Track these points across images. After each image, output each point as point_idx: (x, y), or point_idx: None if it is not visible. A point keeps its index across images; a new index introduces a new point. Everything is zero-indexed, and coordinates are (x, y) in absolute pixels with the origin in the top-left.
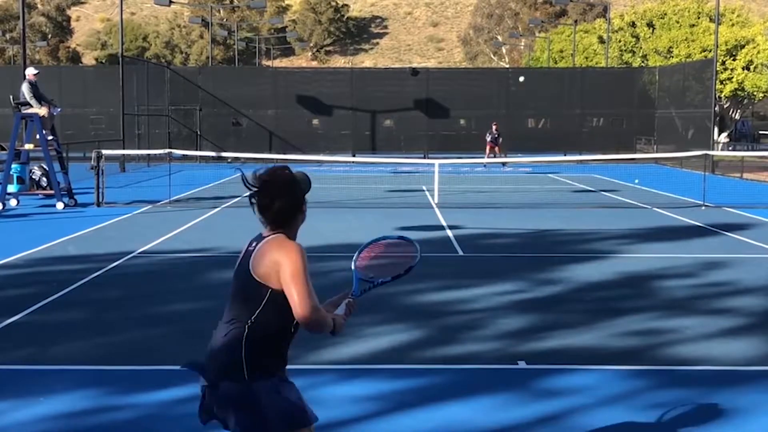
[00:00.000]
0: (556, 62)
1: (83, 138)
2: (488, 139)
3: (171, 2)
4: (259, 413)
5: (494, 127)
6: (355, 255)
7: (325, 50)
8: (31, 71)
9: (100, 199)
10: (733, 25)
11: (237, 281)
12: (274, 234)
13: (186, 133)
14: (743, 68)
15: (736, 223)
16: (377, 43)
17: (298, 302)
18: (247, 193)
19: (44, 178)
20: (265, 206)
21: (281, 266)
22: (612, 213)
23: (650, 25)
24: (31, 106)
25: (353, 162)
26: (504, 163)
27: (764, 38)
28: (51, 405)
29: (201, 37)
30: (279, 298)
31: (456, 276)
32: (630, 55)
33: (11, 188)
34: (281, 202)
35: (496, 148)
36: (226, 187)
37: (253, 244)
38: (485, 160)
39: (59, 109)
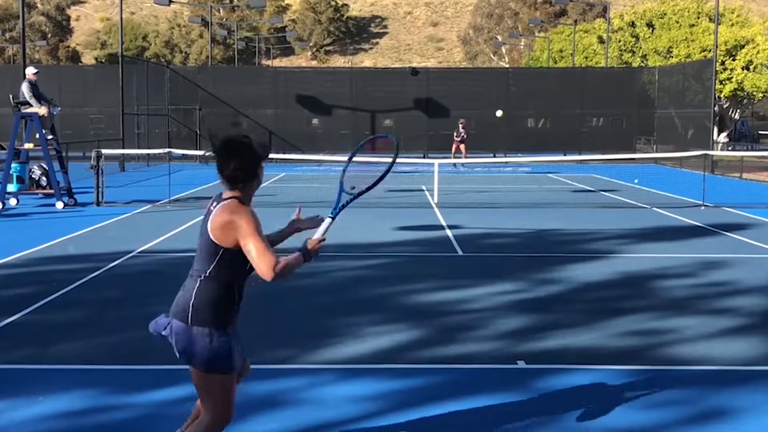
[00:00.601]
0: (555, 62)
1: (83, 137)
2: (456, 138)
3: (171, 2)
4: (192, 351)
5: (461, 126)
6: (343, 169)
7: (325, 50)
8: (30, 71)
9: (100, 199)
10: (732, 25)
11: (200, 238)
12: (229, 197)
13: (186, 132)
14: (743, 68)
15: (735, 223)
16: (377, 43)
17: (256, 258)
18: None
19: (44, 178)
20: (222, 167)
21: (236, 228)
22: (611, 213)
23: (650, 25)
24: (31, 106)
25: (353, 161)
26: (463, 164)
27: (764, 38)
28: (50, 404)
29: (201, 36)
30: (228, 256)
31: (455, 276)
32: (630, 55)
33: (11, 187)
34: (236, 163)
35: (462, 147)
36: None
37: (213, 204)
38: (453, 160)
39: (59, 109)
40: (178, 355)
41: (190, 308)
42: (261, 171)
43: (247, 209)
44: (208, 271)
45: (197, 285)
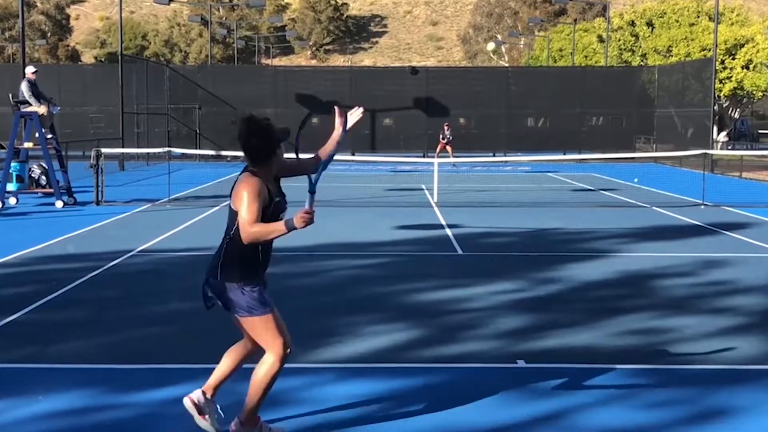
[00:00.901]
0: (555, 61)
1: (82, 136)
2: (442, 140)
3: (170, 1)
4: (229, 301)
5: (446, 128)
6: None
7: (325, 49)
8: (30, 70)
9: (100, 198)
10: (732, 24)
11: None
12: (248, 170)
13: (185, 131)
14: (742, 67)
15: (735, 222)
16: (377, 42)
17: (243, 215)
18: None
19: (43, 177)
20: (244, 144)
21: (240, 195)
22: (611, 212)
23: (650, 24)
24: (30, 105)
25: (352, 161)
26: (454, 164)
27: (763, 37)
28: (50, 404)
29: (200, 35)
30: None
31: (455, 275)
32: (629, 54)
33: (10, 187)
34: (257, 141)
35: (448, 147)
36: (226, 185)
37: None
38: (436, 159)
39: (58, 108)
40: (224, 307)
41: (219, 267)
42: (280, 151)
43: (254, 180)
44: (231, 232)
45: (224, 245)
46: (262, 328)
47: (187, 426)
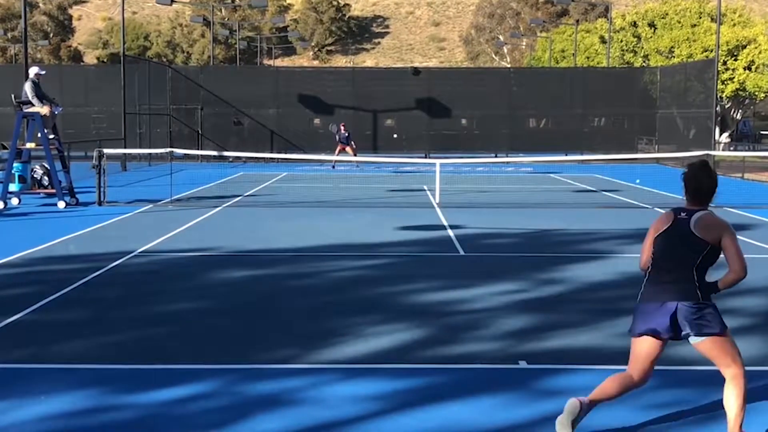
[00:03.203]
0: (557, 62)
1: (85, 137)
2: (338, 139)
3: (173, 1)
4: (707, 321)
5: (342, 128)
6: None
7: (327, 50)
8: (34, 70)
9: (102, 198)
10: (734, 25)
11: (680, 240)
12: (701, 209)
13: (187, 132)
14: (745, 68)
15: (737, 224)
16: (379, 43)
17: (737, 258)
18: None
19: (46, 177)
20: (697, 188)
21: (723, 234)
22: (613, 213)
23: (652, 25)
24: (33, 105)
25: (354, 161)
26: (333, 165)
27: (766, 38)
28: (52, 404)
29: (202, 36)
30: (711, 250)
31: (457, 276)
32: (631, 55)
33: (13, 187)
34: (709, 185)
35: (347, 148)
36: (228, 186)
37: (681, 214)
38: (334, 157)
39: (60, 108)
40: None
41: (697, 289)
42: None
43: (724, 220)
44: (698, 261)
45: (693, 272)
46: (728, 344)
47: (189, 426)
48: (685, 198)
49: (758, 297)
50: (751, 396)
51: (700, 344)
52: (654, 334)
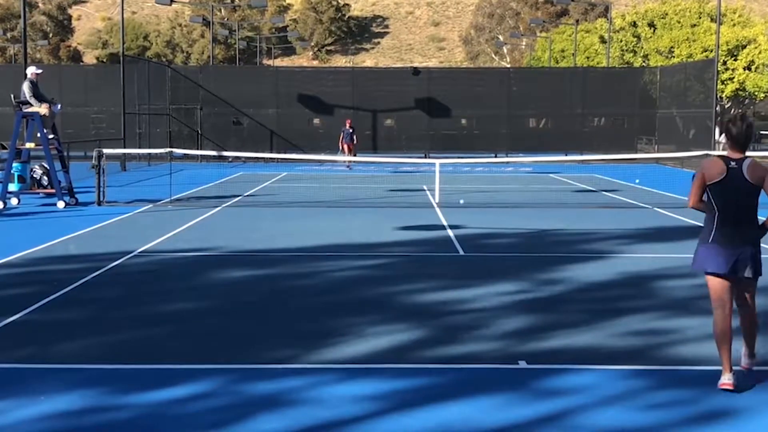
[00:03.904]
0: (557, 62)
1: (84, 137)
2: (345, 138)
3: (172, 1)
4: (759, 261)
5: (348, 124)
6: None
7: (326, 50)
8: (32, 70)
9: (101, 198)
10: (734, 25)
11: (739, 188)
12: (744, 156)
13: (187, 132)
14: (744, 68)
15: None
16: (378, 43)
17: None
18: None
19: (45, 177)
20: (747, 135)
21: (766, 175)
22: (613, 213)
23: (651, 25)
24: (32, 105)
25: (354, 161)
26: (349, 166)
27: (766, 38)
28: (51, 404)
29: (202, 36)
30: (760, 193)
31: (457, 276)
32: (631, 54)
33: (12, 187)
34: (750, 132)
35: (347, 147)
36: (227, 186)
37: (731, 164)
38: (346, 158)
39: (59, 106)
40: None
41: (757, 236)
42: None
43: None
44: (753, 205)
45: (755, 217)
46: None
47: (188, 426)
48: (728, 146)
49: (759, 298)
50: (752, 397)
51: (750, 282)
52: (722, 274)
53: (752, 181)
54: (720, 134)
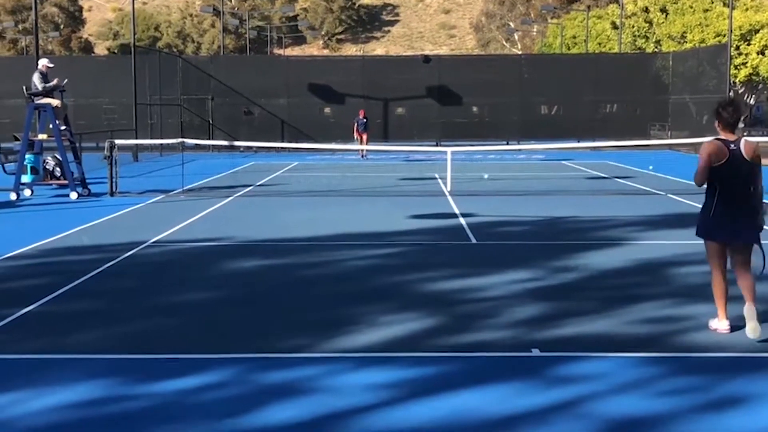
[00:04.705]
0: (569, 48)
1: (96, 128)
2: (356, 126)
3: None
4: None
5: (361, 114)
6: None
7: (337, 38)
8: (44, 62)
9: (114, 189)
10: (747, 9)
11: (740, 167)
12: (737, 138)
13: (198, 122)
14: (758, 53)
15: None
16: (389, 31)
17: (759, 175)
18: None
19: (58, 168)
20: (737, 119)
21: (758, 151)
22: (626, 200)
23: (663, 10)
24: (43, 96)
25: (366, 150)
26: (363, 155)
27: None
28: (66, 394)
29: (212, 26)
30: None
31: (469, 264)
32: (643, 40)
33: (25, 178)
34: (740, 115)
35: (364, 136)
36: (239, 176)
37: (731, 146)
38: (361, 147)
39: (66, 80)
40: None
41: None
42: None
43: None
44: (756, 180)
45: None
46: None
47: (203, 415)
48: (720, 128)
49: None
50: (764, 383)
51: (747, 248)
52: (724, 241)
53: (749, 159)
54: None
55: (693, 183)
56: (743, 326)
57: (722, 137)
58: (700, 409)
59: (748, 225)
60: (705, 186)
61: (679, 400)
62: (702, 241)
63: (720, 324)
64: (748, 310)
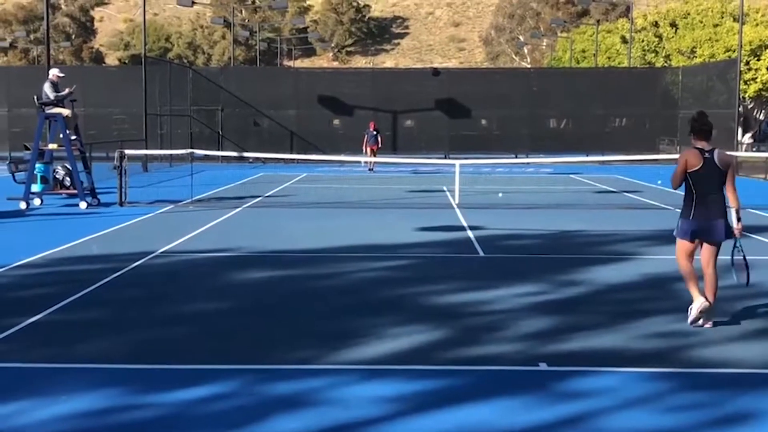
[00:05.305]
0: (578, 62)
1: (106, 138)
2: (369, 140)
3: (193, 3)
4: (725, 230)
5: (371, 126)
6: None
7: (347, 50)
8: (54, 72)
9: (123, 199)
10: (757, 25)
11: (713, 174)
12: (713, 147)
13: (208, 133)
14: (767, 68)
15: (760, 225)
16: (398, 44)
17: (733, 182)
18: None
19: (68, 178)
20: (709, 130)
21: (731, 162)
22: (634, 214)
23: (673, 25)
24: (54, 105)
25: (374, 162)
26: (371, 168)
27: None
28: (73, 404)
29: (223, 37)
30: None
31: (476, 277)
32: (653, 55)
33: (35, 188)
34: (711, 125)
35: (374, 149)
36: (248, 187)
37: (706, 154)
38: (368, 159)
39: (74, 86)
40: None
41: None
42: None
43: None
44: (722, 187)
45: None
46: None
47: (209, 425)
48: (695, 139)
49: None
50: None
51: (716, 245)
52: (697, 239)
53: (721, 167)
54: (743, 135)
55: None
56: (755, 340)
57: (698, 146)
58: (707, 425)
59: (719, 225)
60: (686, 193)
61: (687, 415)
62: (696, 257)
63: (696, 303)
64: (705, 307)
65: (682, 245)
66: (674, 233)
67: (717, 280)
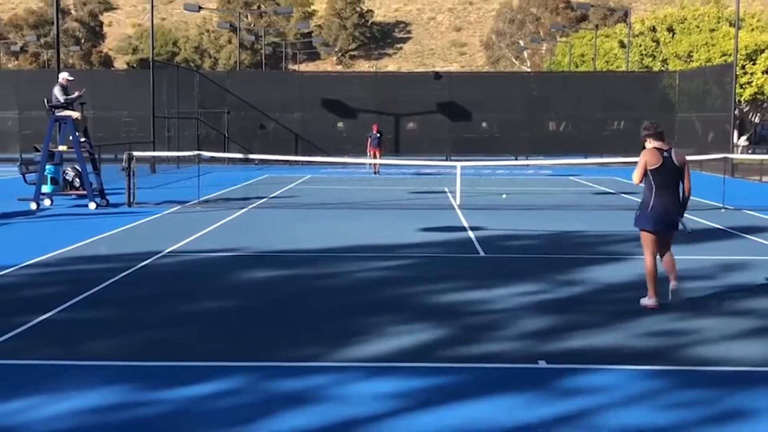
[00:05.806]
0: (577, 66)
1: (115, 140)
2: (371, 143)
3: (200, 8)
4: (677, 223)
5: (374, 129)
6: None
7: (350, 55)
8: (64, 75)
9: (131, 200)
10: (753, 29)
11: (670, 170)
12: (669, 145)
13: (214, 135)
14: (763, 72)
15: (755, 226)
16: (401, 48)
17: (689, 178)
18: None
19: (77, 179)
20: (662, 132)
21: (686, 160)
22: (632, 215)
23: (670, 29)
24: (65, 108)
25: (377, 164)
26: (376, 171)
27: None
28: (81, 400)
29: (229, 42)
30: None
31: (477, 276)
32: (650, 59)
33: (45, 189)
34: (663, 130)
35: (377, 152)
36: (254, 188)
37: (664, 153)
38: (372, 161)
39: (83, 90)
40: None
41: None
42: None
43: None
44: (680, 185)
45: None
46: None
47: (217, 422)
48: (651, 141)
49: None
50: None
51: (672, 234)
52: (654, 232)
53: (678, 164)
54: (738, 138)
55: (701, 201)
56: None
57: (657, 146)
58: (706, 422)
59: (674, 215)
60: (647, 187)
61: (686, 413)
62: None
63: (650, 301)
64: (674, 287)
65: (646, 236)
66: (634, 224)
67: (675, 263)
